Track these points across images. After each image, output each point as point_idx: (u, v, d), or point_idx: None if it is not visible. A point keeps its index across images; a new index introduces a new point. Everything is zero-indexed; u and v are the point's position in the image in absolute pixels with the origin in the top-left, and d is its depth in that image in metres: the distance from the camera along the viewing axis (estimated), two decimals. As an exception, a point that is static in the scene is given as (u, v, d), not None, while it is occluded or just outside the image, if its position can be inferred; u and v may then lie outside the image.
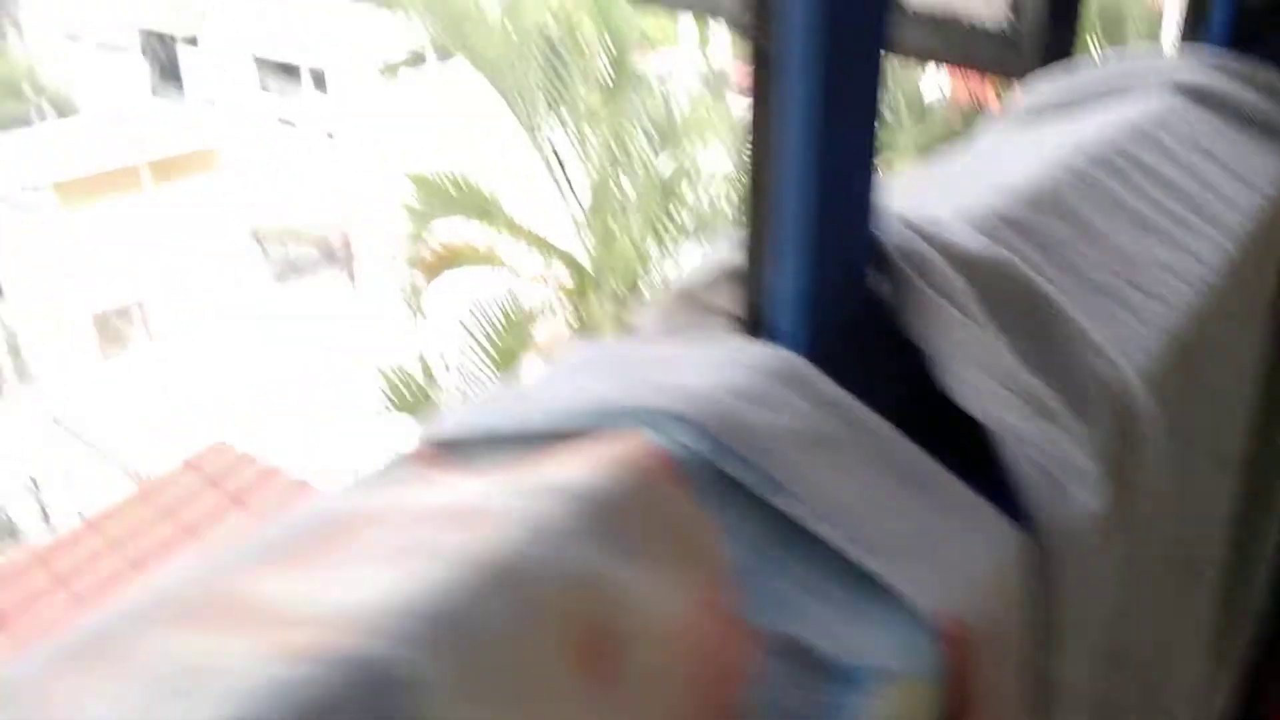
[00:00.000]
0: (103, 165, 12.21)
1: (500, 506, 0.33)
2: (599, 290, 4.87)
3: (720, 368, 0.39)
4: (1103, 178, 0.68)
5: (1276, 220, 0.76)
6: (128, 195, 12.52)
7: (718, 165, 5.31)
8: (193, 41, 22.95)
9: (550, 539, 0.31)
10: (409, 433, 5.45)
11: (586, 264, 5.13)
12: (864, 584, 0.34)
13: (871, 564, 0.34)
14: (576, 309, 5.12)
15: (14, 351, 11.65)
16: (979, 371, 0.42)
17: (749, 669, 0.32)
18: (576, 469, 0.34)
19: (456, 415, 0.42)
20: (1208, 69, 0.88)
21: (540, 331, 5.51)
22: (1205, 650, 0.82)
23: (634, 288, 5.02)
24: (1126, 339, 0.53)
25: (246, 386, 8.46)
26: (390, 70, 6.06)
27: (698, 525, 0.34)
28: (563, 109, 5.20)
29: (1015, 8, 0.98)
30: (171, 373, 9.08)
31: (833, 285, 0.41)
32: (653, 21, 6.81)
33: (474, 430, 0.39)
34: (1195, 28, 0.95)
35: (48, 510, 6.82)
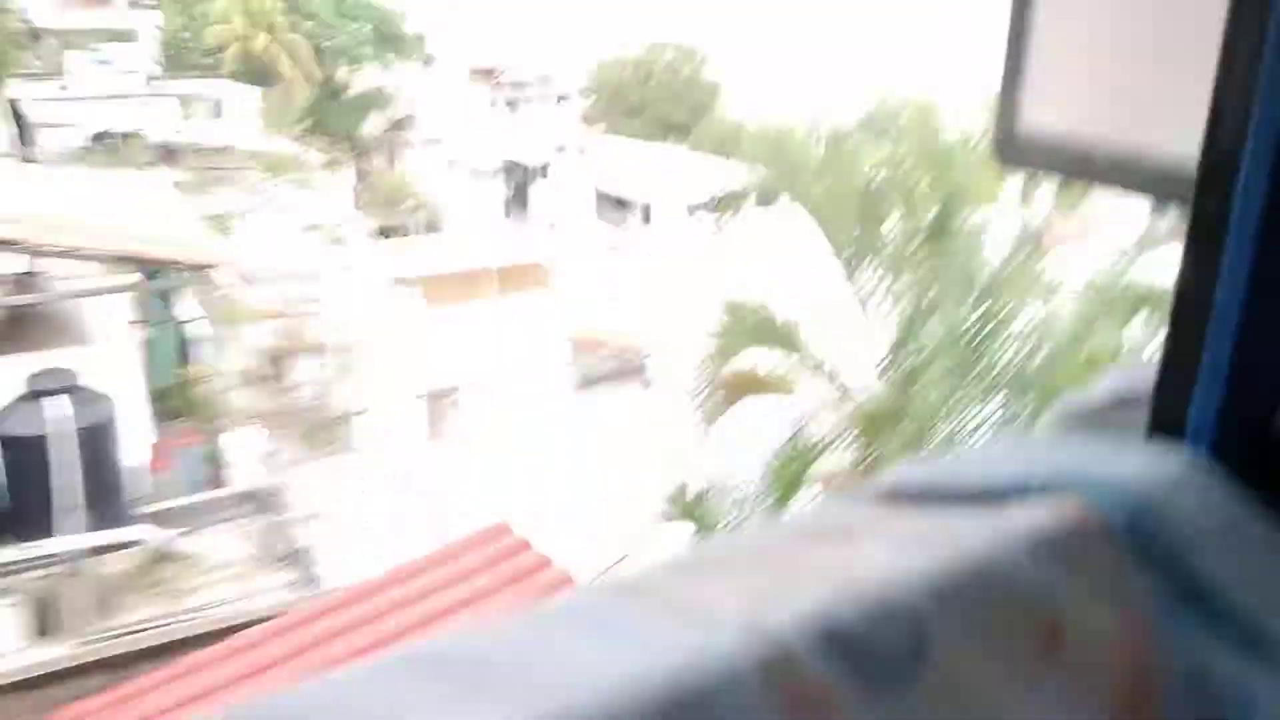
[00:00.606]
0: (460, 270, 13.89)
1: (969, 528, 0.42)
2: (891, 430, 4.80)
3: (1144, 460, 0.47)
4: None
5: None
6: (477, 298, 14.12)
7: (1027, 322, 5.12)
8: (544, 172, 25.93)
9: (1012, 552, 0.41)
10: (683, 538, 5.58)
11: (882, 404, 5.09)
12: (1266, 647, 0.38)
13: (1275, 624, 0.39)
14: (865, 447, 5.07)
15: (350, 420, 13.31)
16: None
17: (1164, 682, 0.38)
18: (1027, 513, 0.43)
19: (903, 472, 0.50)
20: None
21: (823, 464, 5.49)
22: None
23: (926, 432, 4.90)
24: None
25: (538, 476, 9.05)
26: (720, 207, 6.49)
27: (1125, 575, 0.41)
28: (882, 253, 5.29)
29: None
30: (474, 455, 9.93)
31: (1243, 411, 0.46)
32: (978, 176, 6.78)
33: (913, 482, 0.48)
34: None
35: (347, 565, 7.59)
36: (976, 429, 4.86)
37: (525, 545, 5.23)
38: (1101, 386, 0.58)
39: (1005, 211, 10.07)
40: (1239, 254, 0.47)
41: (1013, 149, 1.02)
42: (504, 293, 14.40)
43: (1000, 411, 4.92)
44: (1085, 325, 4.84)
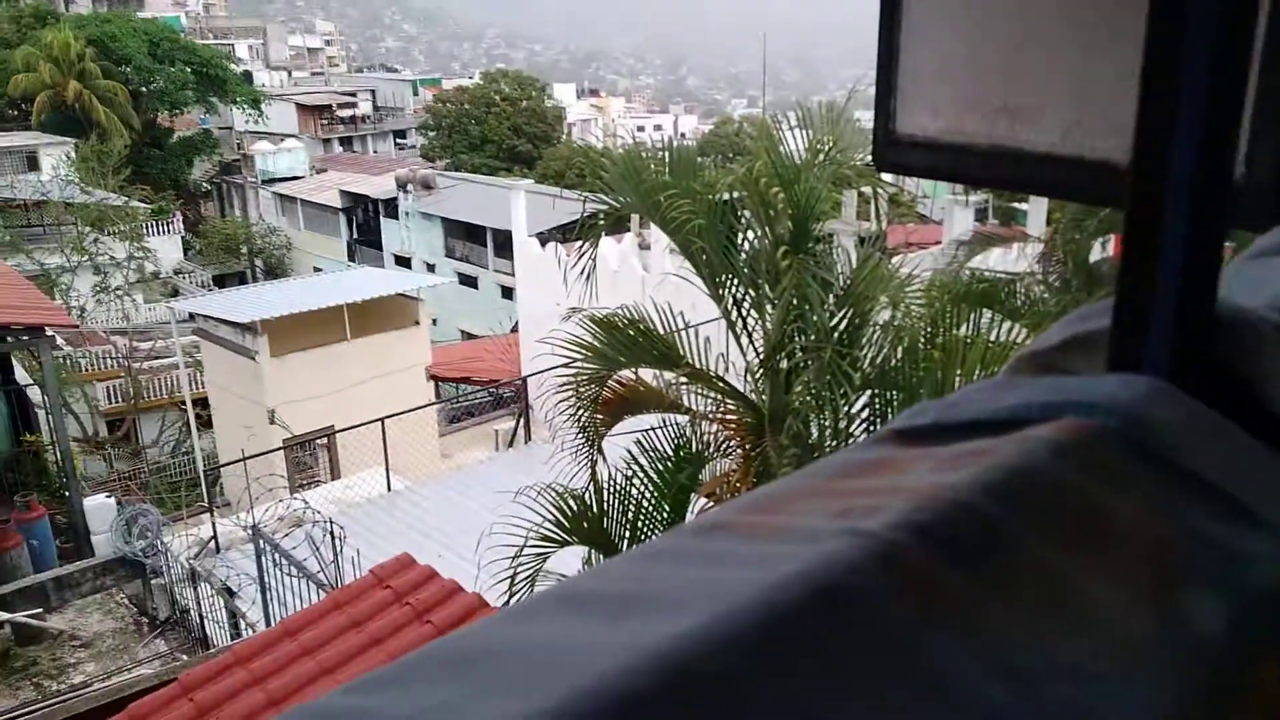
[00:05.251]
0: (306, 315, 13.42)
1: (993, 446, 0.48)
2: (776, 430, 5.05)
3: (1118, 384, 0.54)
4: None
5: None
6: (327, 343, 13.67)
7: (885, 323, 5.48)
8: (391, 205, 25.45)
9: (1040, 459, 0.47)
10: (581, 560, 5.66)
11: (760, 410, 5.34)
12: (1248, 518, 0.49)
13: (1245, 498, 0.52)
14: (750, 449, 5.30)
15: (217, 476, 12.67)
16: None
17: (1181, 554, 0.47)
18: (1037, 431, 0.49)
19: (906, 416, 0.54)
20: None
21: (709, 470, 5.70)
22: None
23: (803, 433, 5.19)
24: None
25: (424, 512, 8.91)
26: (578, 234, 6.66)
27: (1131, 473, 0.49)
28: (744, 268, 5.56)
29: (1250, 164, 1.11)
30: (356, 496, 9.67)
31: (1188, 342, 0.60)
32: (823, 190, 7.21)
33: (923, 422, 0.53)
34: None
35: (239, 619, 7.29)
36: (850, 425, 5.17)
37: (432, 574, 5.20)
38: (1053, 333, 0.63)
39: (847, 223, 10.68)
40: (1176, 220, 0.53)
41: (892, 156, 1.20)
42: (360, 332, 14.07)
43: (868, 408, 5.26)
44: (935, 321, 5.23)
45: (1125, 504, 0.48)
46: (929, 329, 5.17)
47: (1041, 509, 0.45)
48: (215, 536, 8.00)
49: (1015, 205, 15.23)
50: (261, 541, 6.93)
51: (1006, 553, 0.41)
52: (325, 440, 12.69)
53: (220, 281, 27.79)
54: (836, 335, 5.27)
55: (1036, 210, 12.02)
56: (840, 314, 5.35)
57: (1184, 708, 0.41)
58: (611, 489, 5.49)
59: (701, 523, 0.44)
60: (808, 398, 4.99)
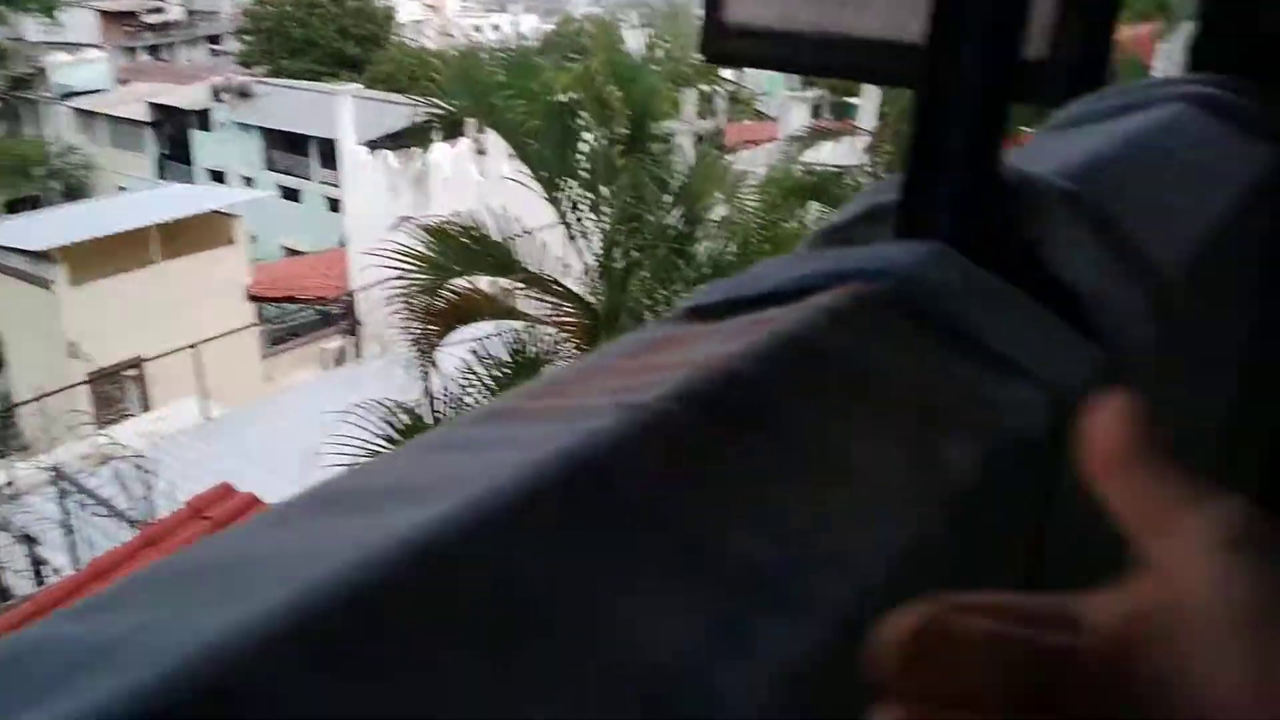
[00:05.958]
0: (109, 239, 12.39)
1: (777, 315, 0.50)
2: (611, 331, 5.06)
3: (899, 249, 0.57)
4: (1121, 168, 0.85)
5: (1260, 197, 0.96)
6: (134, 267, 12.73)
7: (720, 218, 5.54)
8: (203, 116, 23.56)
9: (816, 326, 0.49)
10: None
11: (598, 308, 5.32)
12: (1007, 365, 0.52)
13: (1010, 351, 0.52)
14: (587, 351, 5.28)
15: (12, 418, 11.70)
16: (1074, 253, 0.60)
17: (944, 400, 0.50)
18: (819, 299, 0.51)
19: (701, 294, 0.57)
20: (1211, 86, 1.06)
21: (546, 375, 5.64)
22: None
23: (642, 326, 5.20)
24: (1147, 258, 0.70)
25: (246, 439, 8.51)
26: (408, 140, 6.31)
27: (904, 331, 0.52)
28: (582, 170, 5.45)
29: (1054, 45, 1.14)
30: (170, 428, 9.15)
31: (971, 213, 0.59)
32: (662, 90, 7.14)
33: (715, 298, 0.56)
34: (1201, 58, 1.14)
35: (42, 566, 6.87)
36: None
37: (254, 501, 4.97)
38: (849, 208, 0.67)
39: (687, 121, 10.63)
40: (963, 94, 0.58)
41: (720, 45, 1.13)
42: (171, 254, 13.12)
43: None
44: (767, 215, 5.32)
45: (896, 363, 0.50)
46: (762, 223, 5.25)
47: (811, 371, 0.47)
48: (11, 481, 7.45)
49: (848, 100, 15.57)
50: (64, 483, 6.47)
51: (774, 414, 0.43)
52: (135, 371, 11.89)
53: (12, 207, 25.34)
54: (672, 233, 5.26)
55: (868, 104, 12.28)
56: (676, 211, 5.35)
57: (927, 542, 0.43)
58: (446, 399, 5.37)
59: (483, 410, 0.44)
60: (642, 296, 4.99)
